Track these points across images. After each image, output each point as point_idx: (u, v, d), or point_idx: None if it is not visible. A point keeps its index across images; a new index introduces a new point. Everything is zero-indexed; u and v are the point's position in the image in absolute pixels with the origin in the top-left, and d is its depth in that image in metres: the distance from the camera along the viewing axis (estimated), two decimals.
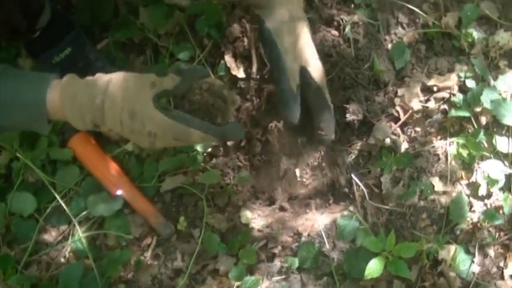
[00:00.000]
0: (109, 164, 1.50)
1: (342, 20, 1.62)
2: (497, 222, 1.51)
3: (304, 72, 1.32)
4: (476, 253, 1.52)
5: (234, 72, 1.59)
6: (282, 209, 1.58)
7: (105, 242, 1.49)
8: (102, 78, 1.08)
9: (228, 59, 1.60)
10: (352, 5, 1.70)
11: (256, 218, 1.54)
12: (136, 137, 1.08)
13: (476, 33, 1.69)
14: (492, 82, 1.63)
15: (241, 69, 1.60)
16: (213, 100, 1.12)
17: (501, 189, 1.56)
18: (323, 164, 1.60)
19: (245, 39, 1.60)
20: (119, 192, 1.47)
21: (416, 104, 1.59)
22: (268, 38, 1.31)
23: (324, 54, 1.57)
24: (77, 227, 1.47)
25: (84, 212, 1.48)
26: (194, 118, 1.08)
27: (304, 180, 1.61)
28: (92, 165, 1.50)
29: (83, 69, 1.11)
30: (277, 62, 1.30)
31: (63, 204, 1.47)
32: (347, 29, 1.60)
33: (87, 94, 1.05)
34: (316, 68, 1.33)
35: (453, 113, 1.58)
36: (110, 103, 1.05)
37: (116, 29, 1.63)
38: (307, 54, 1.33)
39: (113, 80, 1.07)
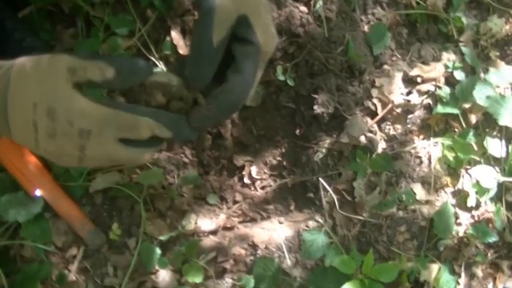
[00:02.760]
0: (27, 158, 1.35)
1: None
2: (490, 240, 1.47)
3: (243, 23, 0.91)
4: (463, 273, 1.50)
5: (181, 51, 1.48)
6: (234, 215, 1.51)
7: (21, 253, 1.36)
8: (4, 66, 0.83)
9: (175, 35, 1.49)
10: None
11: (204, 226, 1.44)
12: (60, 147, 0.83)
13: (465, 18, 1.65)
14: (482, 75, 1.59)
15: None
16: (168, 102, 0.92)
17: (492, 199, 1.53)
18: (284, 163, 1.56)
19: (196, 13, 1.50)
20: (39, 192, 1.34)
21: (396, 97, 1.53)
22: None
23: (290, 34, 1.50)
24: None
25: None
26: (139, 106, 0.85)
27: (262, 181, 1.56)
28: (6, 159, 1.35)
29: None
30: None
31: None
32: (318, 5, 1.51)
33: None
34: (262, 25, 0.93)
35: (439, 109, 1.53)
36: (15, 103, 0.81)
37: None
38: (256, 2, 0.94)
39: (15, 67, 0.82)
